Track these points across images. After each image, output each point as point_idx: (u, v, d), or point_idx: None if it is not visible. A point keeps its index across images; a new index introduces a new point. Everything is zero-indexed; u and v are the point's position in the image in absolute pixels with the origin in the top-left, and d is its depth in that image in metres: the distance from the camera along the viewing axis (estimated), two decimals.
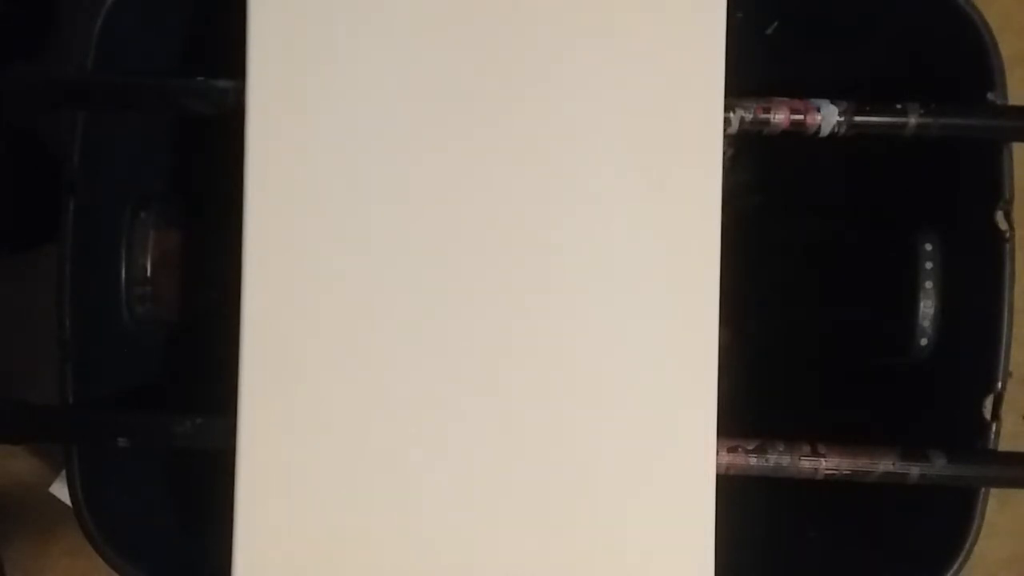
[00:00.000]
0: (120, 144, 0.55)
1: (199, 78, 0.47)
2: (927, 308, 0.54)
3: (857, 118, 0.46)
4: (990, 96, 0.49)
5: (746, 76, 0.47)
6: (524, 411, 0.45)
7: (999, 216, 0.49)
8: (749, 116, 0.46)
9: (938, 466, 0.46)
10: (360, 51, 0.45)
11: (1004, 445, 0.48)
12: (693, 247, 0.45)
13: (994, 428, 0.48)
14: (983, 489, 0.48)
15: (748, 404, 0.54)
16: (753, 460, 0.46)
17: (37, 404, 0.50)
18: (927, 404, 0.55)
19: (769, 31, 0.59)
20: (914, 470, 0.46)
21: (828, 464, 0.46)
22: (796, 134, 0.47)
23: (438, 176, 0.45)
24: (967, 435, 0.49)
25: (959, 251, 0.54)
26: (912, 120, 0.47)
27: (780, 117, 0.46)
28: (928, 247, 0.55)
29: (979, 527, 0.48)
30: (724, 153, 0.45)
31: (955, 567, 0.48)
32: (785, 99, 0.47)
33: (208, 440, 0.46)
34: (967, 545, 0.48)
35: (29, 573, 0.80)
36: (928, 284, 0.54)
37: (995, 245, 0.49)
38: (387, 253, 0.45)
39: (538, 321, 0.45)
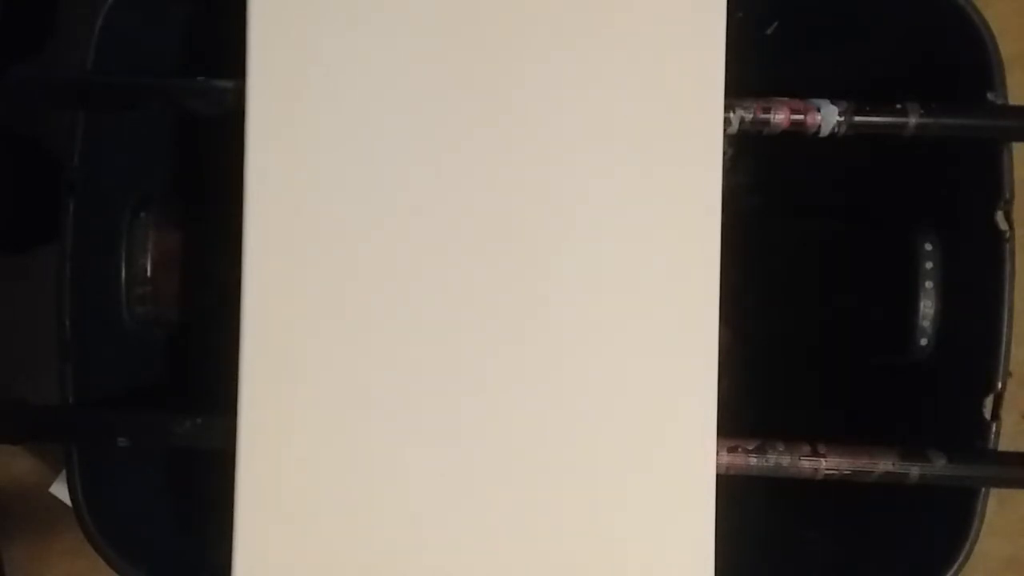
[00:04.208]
0: (120, 144, 0.55)
1: (199, 78, 0.47)
2: (927, 308, 0.54)
3: (857, 118, 0.47)
4: (990, 96, 0.49)
5: (746, 76, 0.47)
6: (523, 411, 0.45)
7: (999, 216, 0.49)
8: (749, 116, 0.46)
9: (938, 466, 0.46)
10: (359, 51, 0.45)
11: (1004, 445, 0.49)
12: (693, 247, 0.45)
13: (994, 428, 0.48)
14: (983, 489, 0.48)
15: (748, 404, 0.54)
16: (753, 460, 0.46)
17: (37, 404, 0.50)
18: (927, 404, 0.55)
19: (769, 31, 0.59)
20: (914, 470, 0.46)
21: (828, 464, 0.46)
22: (796, 134, 0.47)
23: (438, 176, 0.45)
24: (967, 435, 0.49)
25: (959, 251, 0.54)
26: (912, 120, 0.47)
27: (780, 117, 0.46)
28: (928, 247, 0.55)
29: (979, 527, 0.48)
30: (724, 153, 0.45)
31: (955, 567, 0.48)
32: (785, 99, 0.47)
33: (208, 440, 0.47)
34: (967, 545, 0.48)
35: (29, 573, 0.80)
36: (928, 284, 0.54)
37: (995, 245, 0.49)
38: (387, 252, 0.45)
39: (537, 322, 0.45)
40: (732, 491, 0.46)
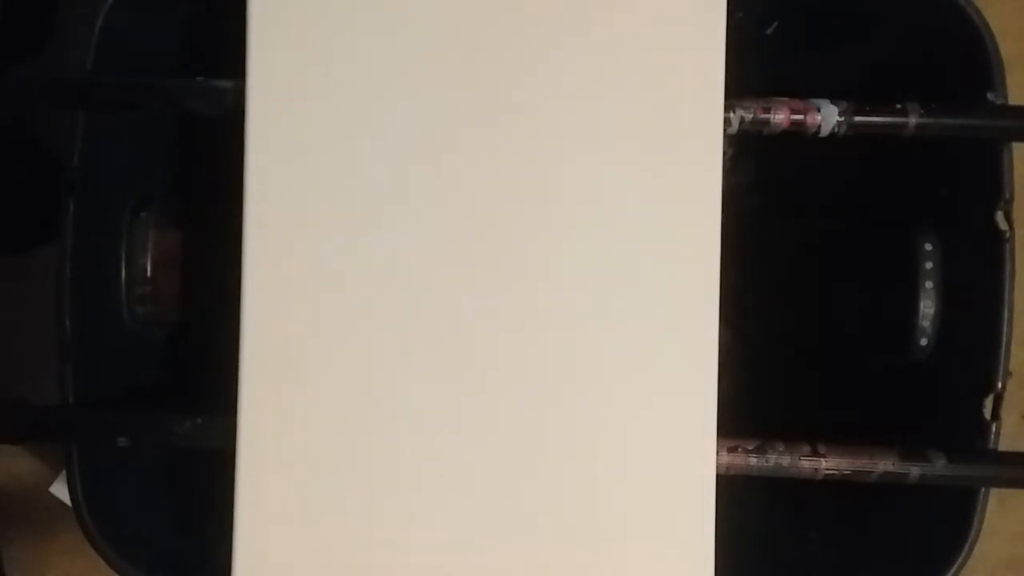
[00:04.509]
0: (120, 144, 0.55)
1: (199, 78, 0.47)
2: (927, 308, 0.54)
3: (857, 118, 0.47)
4: (990, 96, 0.49)
5: (746, 76, 0.47)
6: (523, 411, 0.45)
7: (999, 216, 0.49)
8: (749, 116, 0.46)
9: (938, 466, 0.46)
10: (360, 51, 0.45)
11: (1004, 445, 0.49)
12: (693, 247, 0.45)
13: (994, 428, 0.48)
14: (983, 489, 0.48)
15: (748, 404, 0.54)
16: (753, 460, 0.46)
17: (37, 404, 0.50)
18: (927, 404, 0.55)
19: (769, 31, 0.59)
20: (914, 470, 0.46)
21: (828, 464, 0.46)
22: (796, 134, 0.47)
23: (437, 176, 0.45)
24: (967, 435, 0.49)
25: (959, 251, 0.54)
26: (912, 120, 0.47)
27: (780, 117, 0.46)
28: (928, 247, 0.55)
29: (979, 527, 0.48)
30: (724, 153, 0.45)
31: (955, 567, 0.48)
32: (785, 99, 0.47)
33: (208, 440, 0.47)
34: (967, 545, 0.48)
35: (29, 573, 0.80)
36: (928, 284, 0.54)
37: (995, 245, 0.49)
38: (386, 252, 0.45)
39: (537, 321, 0.45)
40: (732, 491, 0.46)
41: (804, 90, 0.47)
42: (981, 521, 0.48)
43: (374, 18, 0.45)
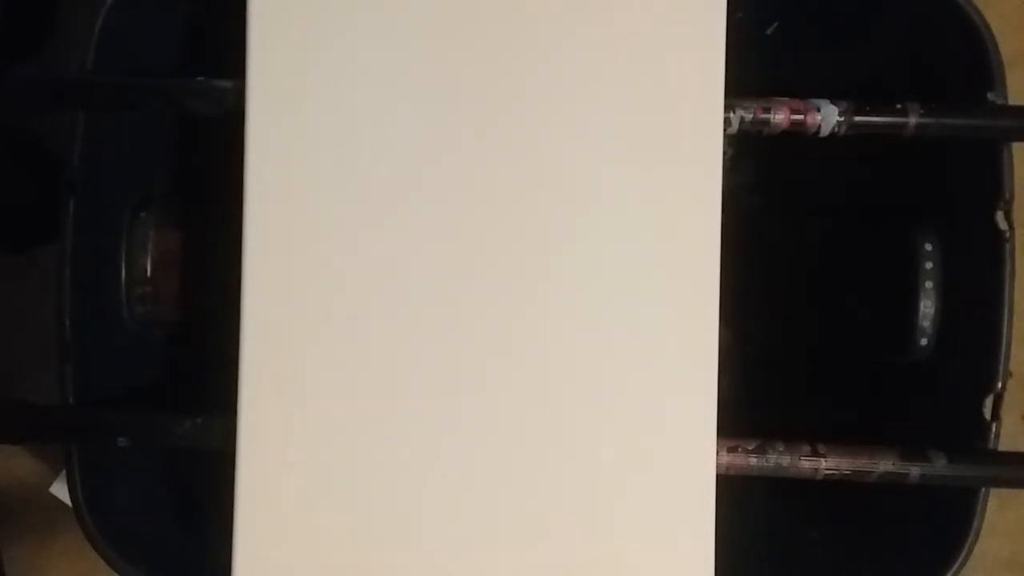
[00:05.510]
0: (120, 144, 0.55)
1: (199, 78, 0.47)
2: (927, 308, 0.54)
3: (857, 118, 0.47)
4: (990, 96, 0.49)
5: (746, 76, 0.47)
6: (524, 412, 0.45)
7: (999, 216, 0.49)
8: (749, 116, 0.46)
9: (938, 466, 0.46)
10: (360, 51, 0.45)
11: (1004, 445, 0.49)
12: (693, 247, 0.45)
13: (994, 428, 0.48)
14: (983, 489, 0.48)
15: (748, 404, 0.54)
16: (753, 460, 0.46)
17: (37, 404, 0.50)
18: (927, 404, 0.55)
19: (769, 31, 0.59)
20: (914, 470, 0.46)
21: (828, 464, 0.46)
22: (796, 134, 0.47)
23: (438, 176, 0.45)
24: (967, 435, 0.49)
25: (959, 251, 0.54)
26: (912, 120, 0.47)
27: (780, 117, 0.46)
28: (928, 247, 0.55)
29: (979, 527, 0.48)
30: (724, 153, 0.45)
31: (955, 567, 0.48)
32: (785, 99, 0.47)
33: (208, 440, 0.47)
34: (967, 545, 0.48)
35: (29, 573, 0.80)
36: (928, 284, 0.54)
37: (995, 245, 0.49)
38: (387, 252, 0.45)
39: (538, 322, 0.45)
40: (732, 491, 0.46)
41: (804, 90, 0.47)
42: (981, 521, 0.48)
43: (374, 18, 0.45)
